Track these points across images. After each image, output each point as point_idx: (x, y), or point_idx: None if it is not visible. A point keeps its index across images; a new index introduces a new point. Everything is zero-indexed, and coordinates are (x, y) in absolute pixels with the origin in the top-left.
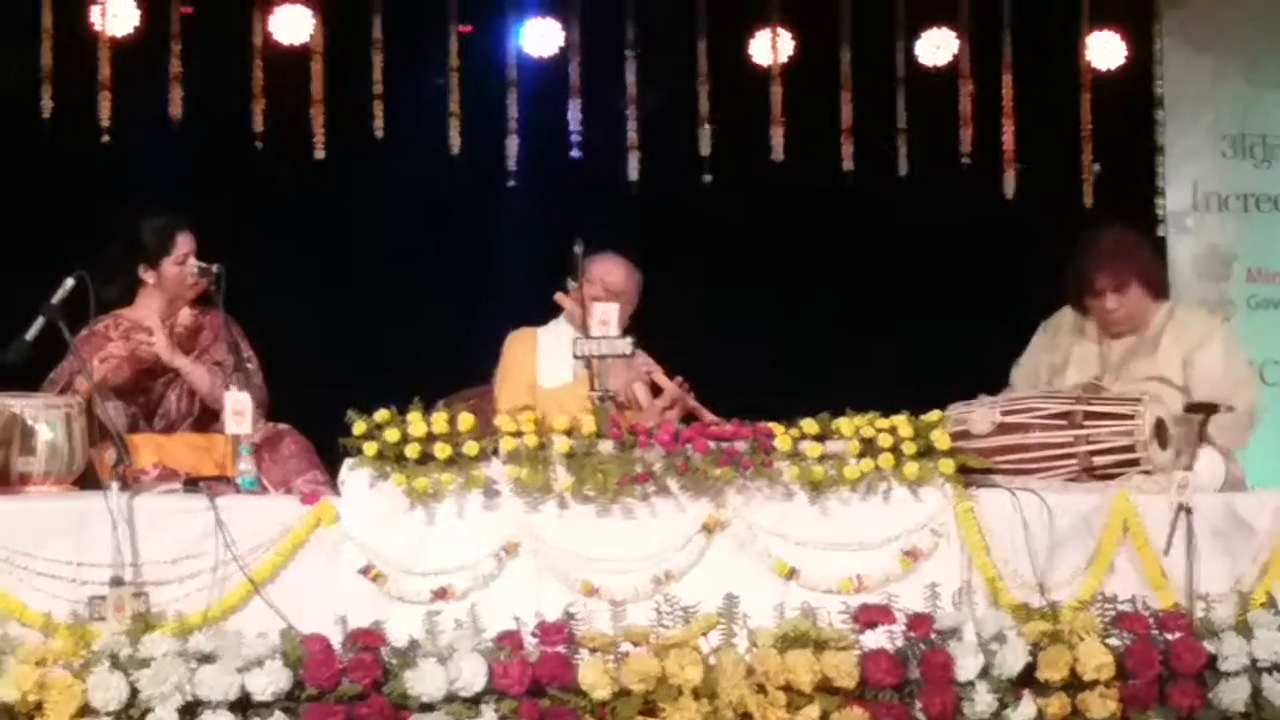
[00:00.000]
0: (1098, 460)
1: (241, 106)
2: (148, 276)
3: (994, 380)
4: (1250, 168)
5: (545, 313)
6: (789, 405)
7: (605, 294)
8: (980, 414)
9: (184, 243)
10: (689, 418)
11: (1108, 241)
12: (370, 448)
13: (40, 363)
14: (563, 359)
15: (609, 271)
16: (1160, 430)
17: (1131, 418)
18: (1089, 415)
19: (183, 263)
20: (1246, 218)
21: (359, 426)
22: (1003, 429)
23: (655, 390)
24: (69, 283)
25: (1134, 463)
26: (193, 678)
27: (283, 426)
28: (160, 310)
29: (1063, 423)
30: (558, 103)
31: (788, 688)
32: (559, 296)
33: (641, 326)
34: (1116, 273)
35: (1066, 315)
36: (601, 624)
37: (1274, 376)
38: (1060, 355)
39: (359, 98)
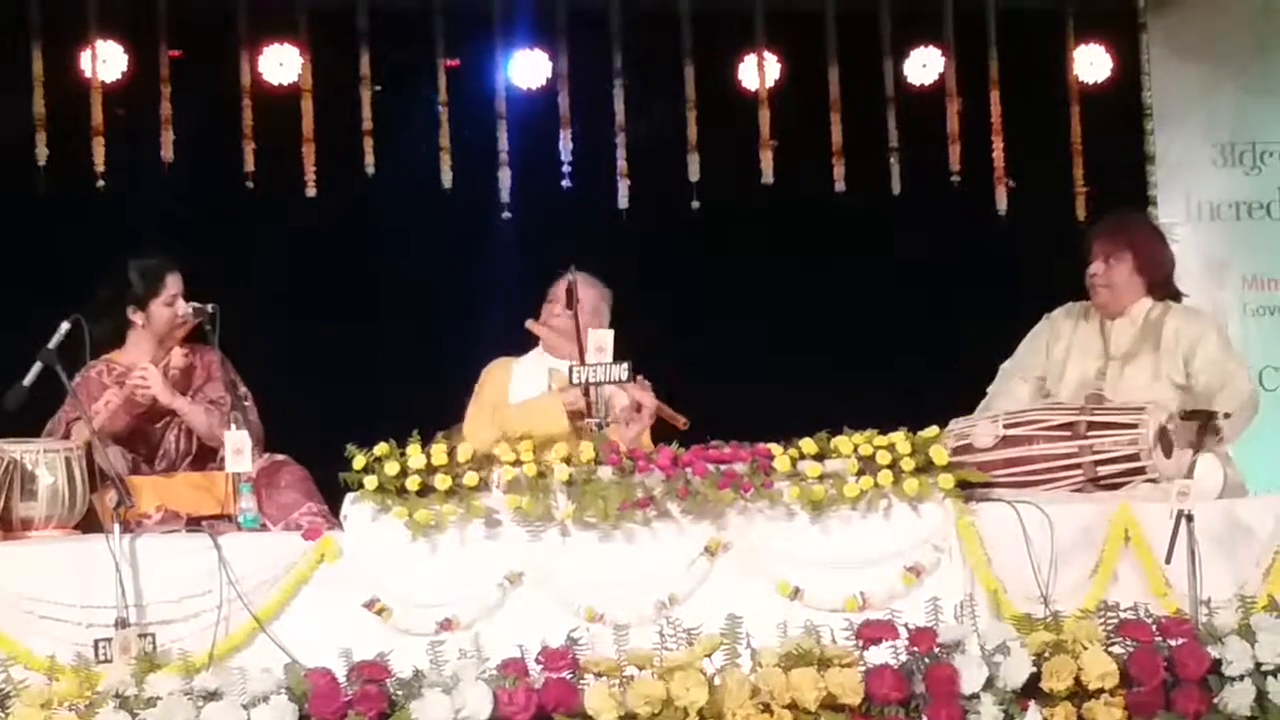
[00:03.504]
0: (1103, 470)
1: (233, 147)
2: (136, 318)
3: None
4: (1241, 175)
5: (527, 348)
6: (785, 426)
7: (565, 313)
8: (983, 427)
9: (173, 283)
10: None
11: (1113, 217)
12: (370, 481)
13: (38, 408)
14: (538, 387)
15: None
16: (1164, 438)
17: (1135, 426)
18: (1092, 425)
19: (171, 304)
20: (1240, 225)
21: (358, 460)
22: (1006, 442)
23: (637, 407)
24: (64, 327)
25: (1140, 471)
26: (199, 716)
27: (280, 457)
28: (150, 352)
29: (1067, 434)
30: (548, 133)
31: (793, 706)
32: (530, 324)
33: (635, 351)
34: (1110, 239)
35: (1069, 307)
36: (605, 649)
37: (1273, 382)
38: (1063, 343)
39: (349, 135)
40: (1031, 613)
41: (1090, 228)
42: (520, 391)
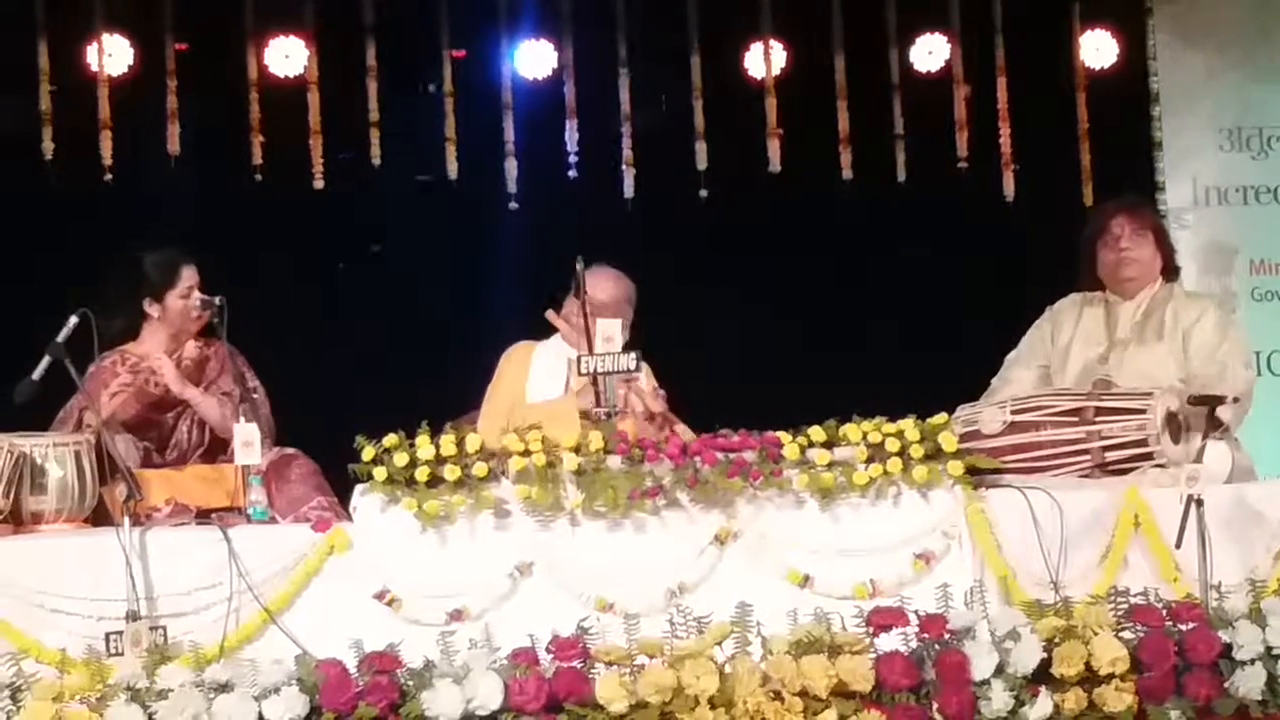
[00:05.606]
0: (1110, 455)
1: (240, 140)
2: (152, 310)
3: None
4: (1248, 160)
5: (550, 333)
6: (794, 414)
7: (595, 307)
8: (990, 413)
9: (188, 275)
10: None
11: (1126, 199)
12: (380, 473)
13: (47, 401)
14: (556, 375)
15: (597, 285)
16: (1172, 422)
17: (1143, 412)
18: (1100, 411)
19: (187, 296)
20: (1247, 210)
21: (368, 452)
22: (1014, 428)
23: (649, 416)
24: (73, 320)
25: (1147, 456)
26: (210, 707)
27: (290, 451)
28: (165, 344)
29: (1074, 419)
30: (554, 123)
31: (804, 693)
32: (550, 314)
33: (644, 340)
34: (1133, 216)
35: (1072, 297)
36: (616, 638)
37: None
38: (1067, 333)
39: (356, 127)
40: (1041, 598)
41: (1099, 207)
42: (539, 379)
